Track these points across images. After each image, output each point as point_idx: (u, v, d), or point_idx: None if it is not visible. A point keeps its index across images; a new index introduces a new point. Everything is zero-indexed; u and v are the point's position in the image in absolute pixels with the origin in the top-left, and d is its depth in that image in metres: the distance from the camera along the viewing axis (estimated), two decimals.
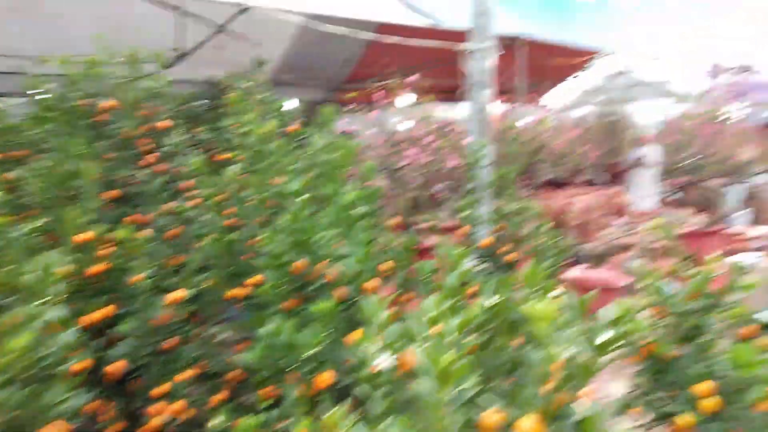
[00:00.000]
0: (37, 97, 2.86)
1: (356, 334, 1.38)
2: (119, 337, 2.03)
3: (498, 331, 1.28)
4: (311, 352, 1.52)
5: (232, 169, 2.78)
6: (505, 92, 8.70)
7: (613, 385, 2.48)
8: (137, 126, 2.95)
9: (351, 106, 6.40)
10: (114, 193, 2.74)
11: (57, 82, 2.96)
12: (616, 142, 9.85)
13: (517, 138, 6.02)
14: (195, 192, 2.70)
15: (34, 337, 1.29)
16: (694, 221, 7.29)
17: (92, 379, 1.90)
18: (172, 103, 3.85)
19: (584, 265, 5.41)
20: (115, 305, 2.08)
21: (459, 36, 4.63)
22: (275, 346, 1.62)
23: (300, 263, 1.81)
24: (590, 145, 8.84)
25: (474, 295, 2.06)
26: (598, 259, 5.65)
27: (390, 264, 2.25)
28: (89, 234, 2.06)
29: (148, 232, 2.33)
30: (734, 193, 8.55)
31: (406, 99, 7.09)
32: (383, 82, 6.83)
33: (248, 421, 1.30)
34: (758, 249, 6.72)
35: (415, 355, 0.96)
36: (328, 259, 1.85)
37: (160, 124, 3.00)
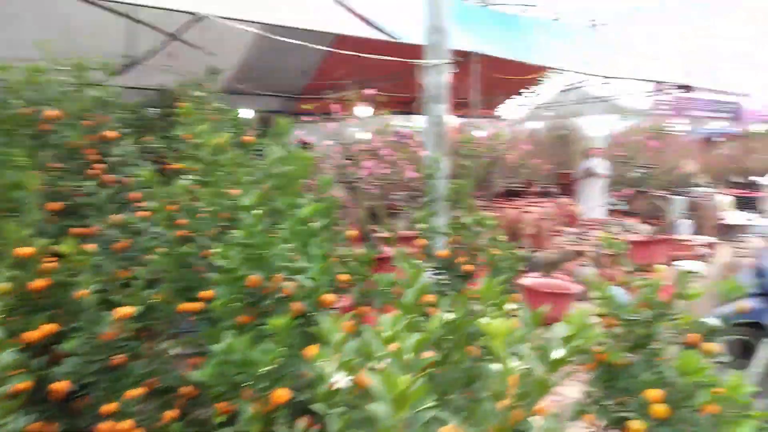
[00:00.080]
0: None
1: (313, 349, 1.36)
2: (65, 354, 1.94)
3: (455, 345, 1.29)
4: (266, 368, 1.48)
5: (184, 180, 2.71)
6: (460, 106, 8.85)
7: (568, 388, 2.53)
8: (84, 135, 2.84)
9: (308, 117, 6.36)
10: (58, 204, 2.63)
11: None
12: (566, 155, 10.15)
13: (472, 151, 6.12)
14: (145, 203, 2.62)
15: None
16: (641, 230, 7.57)
17: (36, 398, 1.81)
18: (122, 111, 3.74)
19: (538, 273, 5.52)
20: (59, 322, 1.99)
21: (415, 50, 4.69)
22: (229, 362, 1.58)
23: (254, 278, 1.78)
24: (542, 157, 9.08)
25: (431, 306, 2.07)
26: (552, 267, 5.77)
27: (347, 276, 2.23)
28: (31, 248, 1.97)
29: (94, 246, 2.25)
30: (677, 204, 8.92)
31: (363, 111, 7.11)
32: (340, 94, 6.84)
33: None
34: (700, 257, 7.03)
35: (371, 376, 0.95)
36: (283, 273, 1.82)
37: (108, 134, 2.90)
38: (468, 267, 2.62)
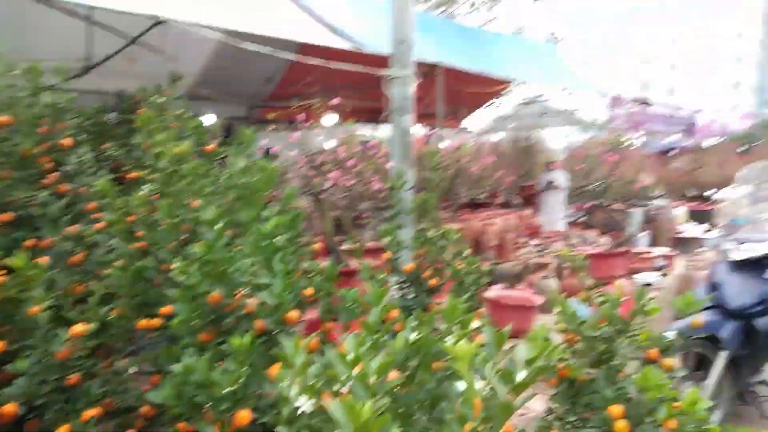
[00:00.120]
0: None
1: (276, 369, 1.33)
2: (14, 374, 1.85)
3: (419, 365, 1.28)
4: (228, 390, 1.44)
5: (142, 191, 2.63)
6: (426, 117, 8.93)
7: (532, 402, 2.55)
8: (37, 143, 2.73)
9: (273, 125, 6.30)
10: (9, 215, 2.51)
11: None
12: (528, 167, 10.34)
13: (437, 162, 6.16)
14: (101, 214, 2.53)
15: None
16: (601, 242, 7.75)
17: None
18: (78, 117, 3.61)
19: (501, 285, 5.58)
20: (9, 340, 1.90)
21: (381, 61, 4.70)
22: (188, 382, 1.53)
23: (216, 294, 1.73)
24: (505, 169, 9.22)
25: (397, 322, 2.06)
26: (515, 279, 5.84)
27: (312, 291, 2.20)
28: None
29: (47, 259, 2.16)
30: (634, 216, 9.18)
31: (329, 120, 7.08)
32: (306, 102, 6.80)
33: None
34: (658, 268, 7.24)
35: (333, 405, 0.93)
36: (246, 290, 1.78)
37: (63, 141, 2.79)
38: (433, 281, 2.62)
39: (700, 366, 3.27)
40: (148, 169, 2.68)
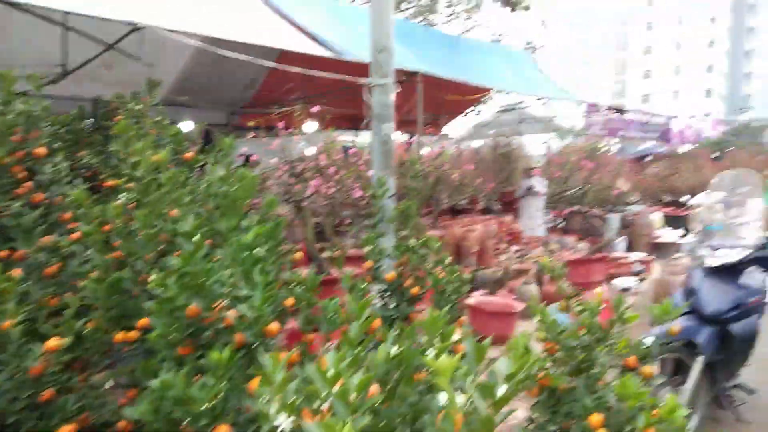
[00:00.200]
0: None
1: (256, 383, 1.31)
2: None
3: (400, 379, 1.27)
4: (206, 405, 1.42)
5: (119, 201, 2.58)
6: (406, 124, 8.95)
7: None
8: (10, 152, 2.67)
9: (253, 132, 6.26)
10: None
11: None
12: (507, 173, 10.43)
13: (418, 170, 6.18)
14: (77, 225, 2.48)
15: None
16: (580, 247, 7.84)
17: None
18: (53, 125, 3.54)
19: (482, 291, 5.60)
20: None
21: (362, 68, 4.70)
22: (166, 398, 1.50)
23: (194, 307, 1.70)
24: (485, 176, 9.29)
25: (378, 333, 2.05)
26: (496, 285, 5.87)
27: (293, 301, 2.18)
28: None
29: (20, 271, 2.11)
30: (612, 222, 9.31)
31: (309, 127, 7.06)
32: (286, 109, 6.77)
33: None
34: (636, 273, 7.34)
35: (312, 426, 0.92)
36: (225, 301, 1.75)
37: (37, 150, 2.74)
38: (415, 290, 2.62)
39: (677, 371, 3.32)
40: (125, 178, 2.64)
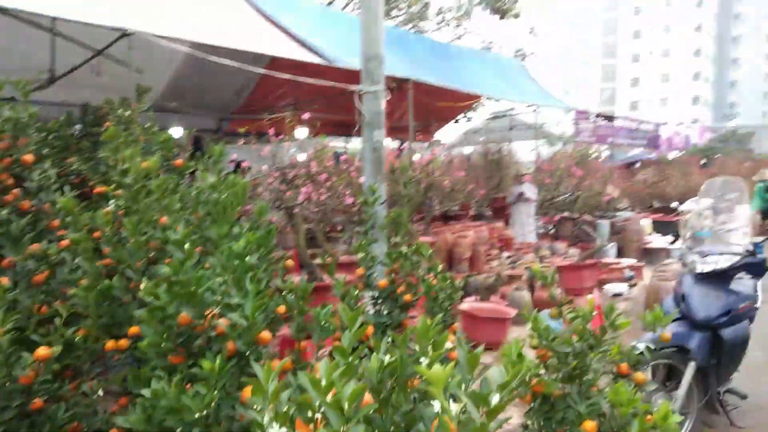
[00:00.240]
0: None
1: (248, 392, 1.30)
2: None
3: (393, 388, 1.26)
4: (199, 414, 1.40)
5: (108, 207, 2.56)
6: (397, 130, 8.97)
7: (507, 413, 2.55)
8: None
9: (243, 139, 6.23)
10: None
11: None
12: (498, 179, 10.47)
13: (410, 176, 6.19)
14: (65, 232, 2.45)
15: None
16: (570, 253, 7.87)
17: None
18: (41, 132, 3.51)
19: (474, 297, 5.60)
20: None
21: (353, 74, 4.70)
22: (158, 407, 1.48)
23: (185, 316, 1.68)
24: (476, 182, 9.31)
25: (370, 340, 2.03)
26: (488, 291, 5.87)
27: (285, 308, 2.16)
28: None
29: (7, 279, 2.08)
30: (602, 228, 9.36)
31: (300, 133, 7.05)
32: (277, 115, 6.76)
33: None
34: (627, 279, 7.38)
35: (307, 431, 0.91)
36: (216, 311, 1.73)
37: (24, 158, 2.71)
38: (407, 297, 2.61)
39: (669, 376, 3.33)
40: (114, 184, 2.62)
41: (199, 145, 9.88)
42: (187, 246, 1.77)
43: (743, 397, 3.59)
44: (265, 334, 1.71)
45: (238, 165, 7.67)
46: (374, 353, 1.33)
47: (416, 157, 7.91)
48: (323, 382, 1.03)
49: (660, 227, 10.85)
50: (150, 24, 4.76)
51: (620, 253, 9.15)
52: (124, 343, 2.10)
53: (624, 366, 1.91)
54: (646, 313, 2.01)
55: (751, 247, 3.55)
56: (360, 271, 2.74)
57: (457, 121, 14.09)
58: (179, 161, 3.46)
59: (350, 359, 1.20)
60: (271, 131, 5.23)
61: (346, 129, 10.09)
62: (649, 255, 9.36)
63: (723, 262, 3.44)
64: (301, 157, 5.73)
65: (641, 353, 1.98)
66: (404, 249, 2.70)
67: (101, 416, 2.07)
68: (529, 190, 8.99)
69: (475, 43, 16.00)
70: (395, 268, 2.73)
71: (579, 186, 9.19)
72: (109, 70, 6.04)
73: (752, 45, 72.47)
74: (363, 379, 1.25)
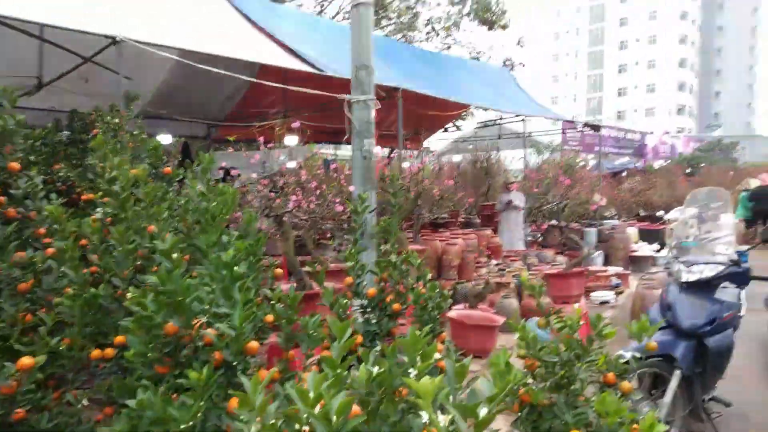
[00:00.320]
0: None
1: (235, 402, 1.29)
2: None
3: (382, 399, 1.26)
4: (185, 426, 1.39)
5: (95, 215, 2.54)
6: (386, 138, 8.99)
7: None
8: None
9: (233, 146, 6.21)
10: None
11: None
12: (487, 187, 10.52)
13: (399, 184, 6.20)
14: (52, 240, 2.42)
15: None
16: (558, 261, 7.91)
17: None
18: (28, 139, 3.48)
19: (463, 304, 5.61)
20: None
21: (342, 83, 4.72)
22: (144, 417, 1.47)
23: (172, 325, 1.67)
24: (465, 190, 9.35)
25: (359, 348, 2.03)
26: (476, 298, 5.87)
27: (272, 318, 2.16)
28: None
29: None
30: (589, 236, 9.43)
31: (290, 141, 7.04)
32: (267, 123, 6.75)
33: None
34: (614, 287, 7.43)
35: None
36: (203, 320, 1.73)
37: (11, 165, 2.68)
38: (396, 306, 2.62)
39: (655, 384, 3.36)
40: (101, 192, 2.60)
41: (187, 153, 9.84)
42: (175, 255, 1.76)
43: (727, 405, 3.63)
44: (253, 344, 1.70)
45: (227, 172, 7.64)
46: (362, 364, 1.33)
47: (406, 165, 7.93)
48: (311, 394, 1.03)
49: (646, 235, 10.95)
50: (139, 32, 4.75)
51: (607, 261, 9.23)
52: (109, 352, 2.08)
53: (611, 375, 1.92)
54: (632, 322, 2.03)
55: (735, 257, 3.60)
56: (349, 279, 2.74)
57: (446, 130, 14.16)
58: (168, 169, 3.45)
59: (339, 371, 1.20)
60: (261, 139, 5.22)
61: (336, 137, 10.11)
62: (636, 263, 9.45)
63: (708, 272, 3.48)
64: (291, 164, 5.72)
65: (627, 362, 2.00)
66: (394, 258, 2.70)
67: (85, 426, 2.05)
68: (518, 198, 9.04)
69: (464, 53, 16.12)
70: (384, 276, 2.73)
71: (566, 194, 9.25)
72: (98, 77, 6.02)
73: (735, 57, 73.69)
74: (351, 390, 1.25)
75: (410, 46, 13.04)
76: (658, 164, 18.88)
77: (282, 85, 5.65)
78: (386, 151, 11.57)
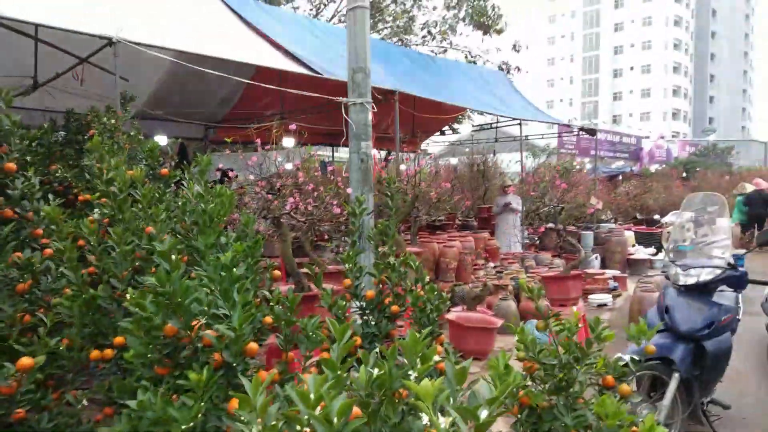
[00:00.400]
0: None
1: (235, 403, 1.28)
2: None
3: (382, 401, 1.26)
4: (185, 427, 1.38)
5: (93, 215, 2.53)
6: (383, 141, 8.99)
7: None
8: None
9: (230, 148, 6.21)
10: None
11: None
12: (484, 190, 10.52)
13: (397, 187, 6.20)
14: (49, 240, 2.41)
15: None
16: (555, 264, 7.92)
17: None
18: (24, 139, 3.46)
19: (461, 307, 5.61)
20: None
21: (339, 85, 4.72)
22: (144, 418, 1.46)
23: (171, 327, 1.66)
24: (462, 193, 9.35)
25: (359, 349, 2.02)
26: (474, 300, 5.87)
27: (271, 319, 2.15)
28: None
29: None
30: (586, 239, 9.44)
31: (287, 142, 7.04)
32: (264, 124, 6.74)
33: None
34: (611, 290, 7.44)
35: None
36: (203, 321, 1.72)
37: (6, 165, 2.67)
38: (395, 308, 2.61)
39: (654, 387, 3.36)
40: (99, 192, 2.59)
41: (184, 154, 9.82)
42: (173, 257, 1.75)
43: (726, 407, 3.63)
44: (253, 346, 1.69)
45: (224, 174, 7.61)
46: (362, 366, 1.33)
47: (403, 168, 7.93)
48: (312, 396, 1.02)
49: (642, 239, 10.99)
50: (139, 32, 4.74)
51: (604, 264, 9.24)
52: (109, 352, 2.07)
53: (610, 378, 1.92)
54: (630, 325, 2.03)
55: (732, 260, 3.60)
56: (347, 281, 2.73)
57: (443, 132, 14.18)
58: (165, 170, 3.44)
59: (339, 373, 1.19)
60: (258, 140, 5.21)
61: (333, 138, 10.10)
62: (633, 266, 9.47)
63: (705, 275, 3.48)
64: (289, 166, 5.71)
65: (626, 365, 2.00)
66: (392, 260, 2.70)
67: (85, 426, 2.04)
68: (515, 201, 9.05)
69: (460, 56, 16.14)
70: (383, 278, 2.73)
71: (563, 198, 9.26)
72: (94, 78, 6.00)
73: (729, 62, 74.11)
74: (351, 392, 1.24)
75: (406, 49, 13.06)
76: (653, 168, 18.96)
77: (279, 87, 5.64)
78: (383, 153, 11.57)
